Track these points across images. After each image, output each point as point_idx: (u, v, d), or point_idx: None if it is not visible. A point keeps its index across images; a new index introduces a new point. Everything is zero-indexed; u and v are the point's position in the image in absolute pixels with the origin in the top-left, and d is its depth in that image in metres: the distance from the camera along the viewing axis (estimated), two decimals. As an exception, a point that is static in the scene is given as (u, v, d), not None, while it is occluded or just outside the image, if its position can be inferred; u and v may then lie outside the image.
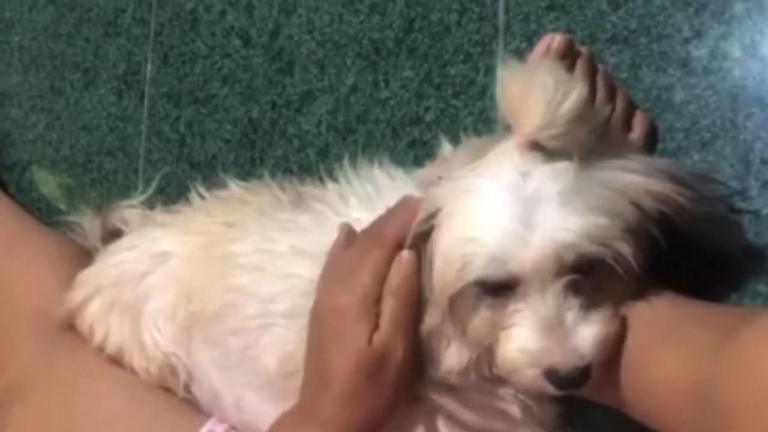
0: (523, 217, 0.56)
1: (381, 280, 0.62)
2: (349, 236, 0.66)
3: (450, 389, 0.65)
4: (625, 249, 0.56)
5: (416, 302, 0.61)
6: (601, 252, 0.55)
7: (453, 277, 0.58)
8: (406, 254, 0.61)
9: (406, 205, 0.63)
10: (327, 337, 0.63)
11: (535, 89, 0.54)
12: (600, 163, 0.58)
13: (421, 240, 0.61)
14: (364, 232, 0.65)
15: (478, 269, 0.56)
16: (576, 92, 0.55)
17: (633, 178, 0.58)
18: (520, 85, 0.56)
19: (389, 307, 0.61)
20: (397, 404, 0.63)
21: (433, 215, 0.60)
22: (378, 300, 0.62)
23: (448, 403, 0.65)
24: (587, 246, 0.55)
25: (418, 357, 0.63)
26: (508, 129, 0.61)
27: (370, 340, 0.61)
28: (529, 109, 0.55)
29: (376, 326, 0.61)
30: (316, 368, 0.64)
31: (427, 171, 0.68)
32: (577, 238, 0.55)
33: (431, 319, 0.61)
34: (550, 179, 0.56)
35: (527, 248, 0.55)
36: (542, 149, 0.57)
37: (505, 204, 0.56)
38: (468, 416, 0.66)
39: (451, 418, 0.66)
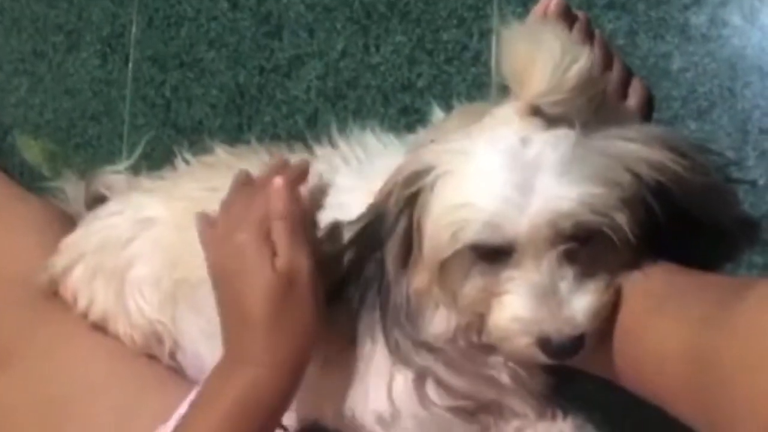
0: (521, 183, 0.55)
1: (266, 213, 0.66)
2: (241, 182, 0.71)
3: (439, 355, 0.64)
4: (622, 219, 0.55)
5: (304, 220, 0.66)
6: (598, 221, 0.54)
7: (445, 242, 0.57)
8: (277, 179, 0.66)
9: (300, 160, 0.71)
10: (234, 280, 0.65)
11: (541, 53, 0.53)
12: (598, 131, 0.57)
13: (409, 201, 0.60)
14: (244, 175, 0.71)
15: (472, 234, 0.56)
16: (583, 58, 0.54)
17: (631, 147, 0.57)
18: (525, 48, 0.54)
19: (280, 230, 0.65)
20: (318, 325, 0.65)
21: (421, 175, 0.59)
22: (268, 233, 0.65)
23: (436, 368, 0.65)
24: (584, 215, 0.54)
25: (408, 319, 0.63)
26: (502, 95, 0.60)
27: (273, 268, 0.64)
28: (534, 73, 0.54)
29: (274, 254, 0.64)
30: (231, 313, 0.66)
31: (419, 136, 0.67)
32: (574, 206, 0.54)
33: (419, 281, 0.61)
34: (550, 146, 0.55)
35: (524, 215, 0.54)
36: (543, 115, 0.56)
37: (503, 169, 0.55)
38: (457, 382, 0.66)
39: (440, 383, 0.66)
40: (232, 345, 0.66)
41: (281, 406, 0.65)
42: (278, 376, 0.64)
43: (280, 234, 0.65)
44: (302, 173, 0.70)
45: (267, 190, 0.66)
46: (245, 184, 0.71)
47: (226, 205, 0.69)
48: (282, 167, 0.71)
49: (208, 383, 0.66)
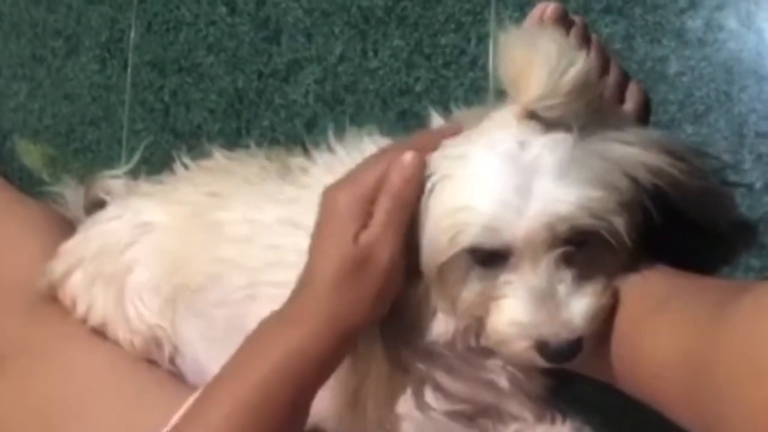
0: (519, 186, 0.55)
1: (380, 181, 0.61)
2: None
3: (437, 359, 0.64)
4: (619, 222, 0.55)
5: (411, 207, 0.60)
6: (595, 224, 0.55)
7: (444, 245, 0.57)
8: (409, 156, 0.60)
9: (445, 126, 0.64)
10: (319, 233, 0.62)
11: (538, 57, 0.53)
12: (595, 134, 0.57)
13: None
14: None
15: (470, 237, 0.56)
16: (580, 63, 0.54)
17: (628, 151, 0.57)
18: (522, 52, 0.54)
19: (383, 207, 0.60)
20: (381, 308, 0.62)
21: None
22: (375, 202, 0.61)
23: (435, 372, 0.65)
24: (582, 218, 0.54)
25: (407, 324, 0.62)
26: (499, 99, 0.61)
27: (356, 239, 0.60)
28: (531, 78, 0.54)
29: (365, 226, 0.61)
30: (305, 270, 0.63)
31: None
32: (572, 209, 0.54)
33: (418, 286, 0.61)
34: (548, 149, 0.55)
35: (521, 218, 0.55)
36: (540, 119, 0.56)
37: (502, 172, 0.55)
38: (456, 386, 0.66)
39: (439, 388, 0.66)
40: (289, 301, 0.63)
41: (319, 378, 0.62)
42: (322, 342, 0.61)
43: (382, 210, 0.60)
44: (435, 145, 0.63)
45: (394, 161, 0.61)
46: (394, 146, 0.65)
47: (370, 156, 0.65)
48: (430, 138, 0.64)
49: (251, 339, 0.63)
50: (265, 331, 0.63)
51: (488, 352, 0.63)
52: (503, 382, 0.66)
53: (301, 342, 0.60)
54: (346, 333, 0.61)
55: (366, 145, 0.72)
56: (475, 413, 0.68)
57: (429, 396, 0.66)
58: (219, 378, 0.63)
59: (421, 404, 0.66)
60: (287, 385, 0.60)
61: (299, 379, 0.61)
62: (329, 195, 0.62)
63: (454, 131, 0.62)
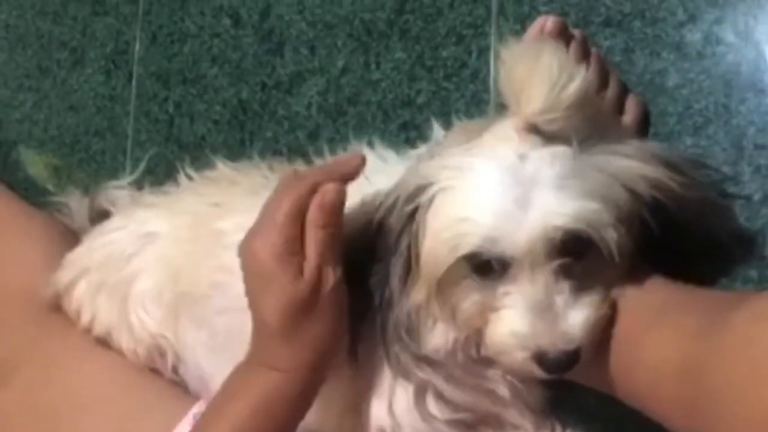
0: (519, 198, 0.55)
1: (295, 216, 0.61)
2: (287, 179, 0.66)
3: (438, 368, 0.64)
4: (617, 235, 0.55)
5: (338, 230, 0.61)
6: (594, 237, 0.55)
7: (444, 256, 0.57)
8: (330, 186, 0.61)
9: (346, 157, 0.65)
10: (254, 283, 0.63)
11: (539, 71, 0.54)
12: (595, 147, 0.57)
13: (410, 218, 0.60)
14: (286, 176, 0.65)
15: (469, 249, 0.56)
16: (580, 77, 0.54)
17: (627, 163, 0.57)
18: (522, 66, 0.55)
19: (312, 240, 0.61)
20: (343, 331, 0.63)
21: (420, 190, 0.59)
22: (296, 236, 0.61)
23: (436, 381, 0.65)
24: (580, 230, 0.55)
25: (408, 333, 0.63)
26: (500, 111, 0.61)
27: (295, 279, 0.60)
28: (531, 91, 0.54)
29: (300, 261, 0.61)
30: (254, 315, 0.64)
31: (419, 151, 0.67)
32: (570, 222, 0.54)
33: (418, 296, 0.61)
34: (547, 162, 0.56)
35: (520, 229, 0.55)
36: (540, 132, 0.56)
37: (502, 185, 0.56)
38: (457, 396, 0.66)
39: (440, 397, 0.66)
40: (253, 345, 0.64)
41: (298, 413, 0.64)
42: (296, 381, 0.63)
43: (316, 243, 0.61)
44: (351, 174, 0.64)
45: (317, 195, 0.61)
46: (291, 181, 0.65)
47: (268, 201, 0.64)
48: (334, 167, 0.66)
49: (229, 382, 0.65)
50: (241, 373, 0.65)
51: (489, 362, 0.63)
52: (503, 391, 0.66)
53: (277, 383, 0.62)
54: (316, 367, 0.63)
55: (367, 155, 0.72)
56: (475, 422, 0.68)
57: (431, 404, 0.67)
58: (199, 424, 0.65)
59: (422, 413, 0.67)
60: (266, 424, 0.62)
61: (277, 419, 0.63)
62: (246, 250, 0.63)
63: (356, 161, 0.63)
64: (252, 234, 0.63)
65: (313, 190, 0.62)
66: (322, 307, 0.61)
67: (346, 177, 0.63)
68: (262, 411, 0.62)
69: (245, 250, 0.63)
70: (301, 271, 0.61)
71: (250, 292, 0.63)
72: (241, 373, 0.65)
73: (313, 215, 0.61)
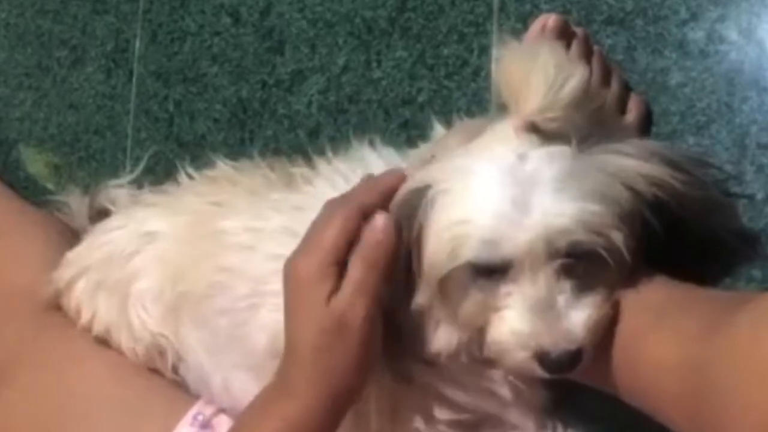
0: (518, 199, 0.55)
1: (341, 242, 0.60)
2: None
3: (441, 370, 0.64)
4: (618, 236, 0.55)
5: (387, 266, 0.60)
6: (593, 240, 0.55)
7: (444, 259, 0.57)
8: (381, 219, 0.60)
9: (387, 174, 0.63)
10: (290, 302, 0.62)
11: (536, 70, 0.54)
12: (596, 146, 0.57)
13: (409, 218, 0.60)
14: (335, 198, 0.64)
15: (470, 251, 0.56)
16: (577, 76, 0.54)
17: (628, 162, 0.57)
18: (520, 66, 0.55)
19: (356, 270, 0.60)
20: (369, 368, 0.62)
21: (422, 192, 0.59)
22: (338, 262, 0.60)
23: (439, 384, 0.65)
24: (580, 233, 0.54)
25: (407, 336, 0.62)
26: (501, 110, 0.61)
27: (327, 303, 0.59)
28: (529, 91, 0.54)
29: (334, 289, 0.59)
30: (285, 337, 0.63)
31: (420, 151, 0.67)
32: (571, 223, 0.54)
33: (420, 299, 0.61)
34: (546, 162, 0.55)
35: (521, 231, 0.55)
36: (539, 131, 0.56)
37: (501, 186, 0.55)
38: (459, 396, 0.66)
39: (442, 398, 0.66)
40: (279, 371, 0.63)
41: None
42: (316, 411, 0.61)
43: (355, 273, 0.59)
44: (394, 190, 0.62)
45: (374, 229, 0.60)
46: (338, 203, 0.63)
47: (315, 220, 0.62)
48: (376, 184, 0.63)
49: (252, 408, 0.65)
50: (264, 399, 0.64)
51: (491, 363, 0.63)
52: (505, 392, 0.66)
53: (296, 412, 0.61)
54: (337, 400, 0.61)
55: (368, 156, 0.72)
56: (477, 423, 0.68)
57: (434, 407, 0.67)
58: None
59: (425, 414, 0.67)
60: None
61: None
62: (290, 266, 0.62)
63: (397, 179, 0.61)
64: (296, 253, 0.62)
65: (361, 212, 0.60)
66: (349, 340, 0.59)
67: (389, 192, 0.61)
68: None
69: (288, 267, 0.62)
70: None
71: (286, 311, 0.62)
72: (264, 397, 0.64)
73: (363, 246, 0.60)
